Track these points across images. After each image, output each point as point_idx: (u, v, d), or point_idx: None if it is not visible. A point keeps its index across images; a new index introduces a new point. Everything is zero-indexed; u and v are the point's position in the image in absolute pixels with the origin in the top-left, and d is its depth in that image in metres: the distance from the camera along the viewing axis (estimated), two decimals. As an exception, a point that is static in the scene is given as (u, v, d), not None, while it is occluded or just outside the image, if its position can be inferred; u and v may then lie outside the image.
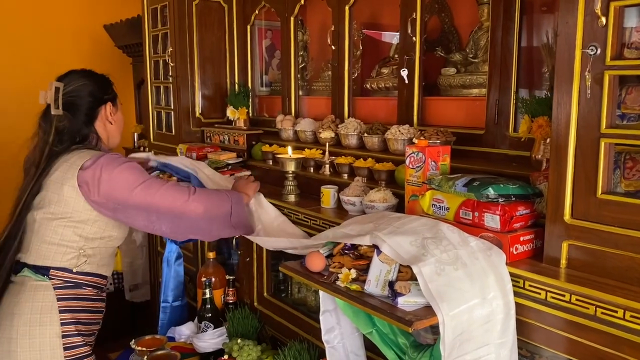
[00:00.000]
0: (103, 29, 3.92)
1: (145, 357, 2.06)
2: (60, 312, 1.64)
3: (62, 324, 1.64)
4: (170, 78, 2.70)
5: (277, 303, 2.13)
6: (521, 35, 1.59)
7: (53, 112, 1.69)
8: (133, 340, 2.21)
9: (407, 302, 1.15)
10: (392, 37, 2.41)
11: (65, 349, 1.65)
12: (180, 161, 2.31)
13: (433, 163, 1.44)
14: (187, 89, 2.65)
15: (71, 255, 1.67)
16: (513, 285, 1.21)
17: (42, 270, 1.66)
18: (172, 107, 2.74)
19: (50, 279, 1.67)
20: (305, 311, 2.05)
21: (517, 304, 1.21)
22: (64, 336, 1.65)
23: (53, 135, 1.69)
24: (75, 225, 1.65)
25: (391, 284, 1.19)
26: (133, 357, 2.19)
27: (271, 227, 1.89)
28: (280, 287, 2.29)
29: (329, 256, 1.42)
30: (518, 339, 1.21)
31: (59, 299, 1.65)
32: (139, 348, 2.15)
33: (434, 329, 1.48)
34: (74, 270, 1.69)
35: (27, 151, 1.79)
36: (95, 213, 1.66)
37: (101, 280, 1.81)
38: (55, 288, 1.66)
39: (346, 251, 1.37)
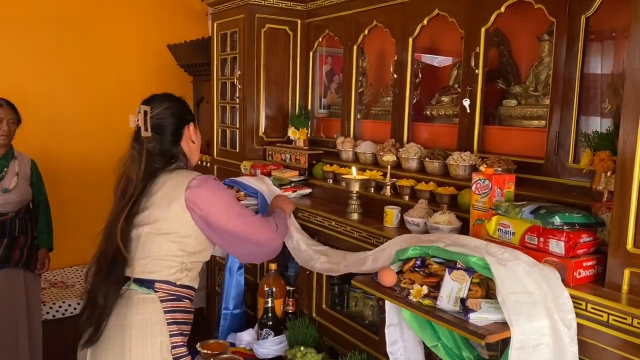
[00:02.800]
0: (167, 49, 4.17)
1: (211, 359, 2.21)
2: (168, 324, 1.72)
3: (170, 336, 1.72)
4: (237, 99, 2.88)
5: (336, 315, 2.26)
6: (583, 70, 1.69)
7: (143, 134, 1.77)
8: (198, 343, 2.37)
9: (478, 318, 1.26)
10: (448, 63, 2.53)
11: (174, 359, 1.73)
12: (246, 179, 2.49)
13: (499, 190, 1.56)
14: (252, 109, 2.83)
15: (175, 269, 1.76)
16: (575, 307, 1.31)
17: (148, 284, 1.73)
18: (238, 126, 2.92)
19: (156, 291, 1.73)
20: (363, 324, 2.17)
21: (579, 324, 1.30)
22: (173, 347, 1.73)
23: (145, 156, 1.77)
24: (181, 240, 1.75)
25: (462, 301, 1.30)
26: (198, 359, 2.35)
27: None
28: (336, 300, 2.42)
29: (399, 272, 1.54)
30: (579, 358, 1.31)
31: (165, 312, 1.72)
32: (205, 351, 2.31)
33: (491, 346, 1.59)
34: (177, 283, 1.77)
35: (115, 169, 1.86)
36: (197, 229, 1.76)
37: (194, 293, 1.89)
38: (162, 301, 1.73)
39: (416, 269, 1.49)
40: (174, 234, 1.74)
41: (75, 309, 3.52)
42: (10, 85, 3.62)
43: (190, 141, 1.92)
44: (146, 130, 1.77)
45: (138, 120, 1.80)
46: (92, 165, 4.03)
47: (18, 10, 3.78)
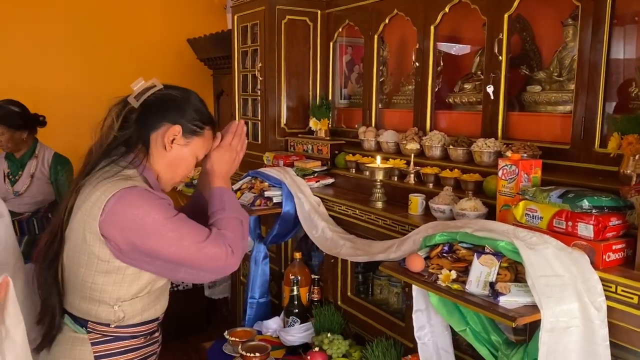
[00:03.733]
0: (186, 43, 4.21)
1: (240, 346, 2.25)
2: None
3: None
4: (259, 91, 2.91)
5: (361, 302, 2.29)
6: (609, 54, 1.68)
7: (130, 100, 1.49)
8: (226, 331, 2.42)
9: (508, 301, 1.27)
10: (469, 51, 2.53)
11: None
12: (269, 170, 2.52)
13: (525, 175, 1.56)
14: (274, 101, 2.86)
15: (107, 311, 1.42)
16: (605, 290, 1.31)
17: (80, 321, 1.44)
18: (259, 118, 2.95)
19: (88, 332, 1.43)
20: (388, 311, 2.19)
21: (608, 307, 1.31)
22: None
23: (120, 123, 1.46)
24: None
25: (492, 285, 1.32)
26: (226, 347, 2.40)
27: None
28: (360, 288, 2.45)
29: (427, 258, 1.56)
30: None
31: (96, 357, 1.43)
32: (232, 339, 2.35)
33: (517, 331, 1.60)
34: (112, 325, 1.44)
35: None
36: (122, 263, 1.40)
37: (150, 326, 1.52)
38: (93, 344, 1.43)
39: (444, 254, 1.51)
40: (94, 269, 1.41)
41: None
42: (32, 82, 3.70)
43: (163, 144, 1.47)
44: (137, 100, 1.49)
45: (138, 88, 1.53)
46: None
47: (39, 7, 3.85)
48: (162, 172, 1.50)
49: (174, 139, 1.47)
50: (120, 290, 1.41)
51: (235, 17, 3.06)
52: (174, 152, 1.49)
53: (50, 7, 3.90)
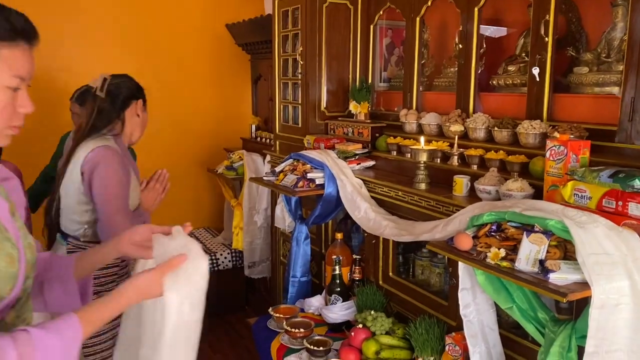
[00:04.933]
0: (225, 28, 4.27)
1: (284, 322, 2.33)
2: None
3: None
4: (299, 75, 2.96)
5: (403, 282, 2.33)
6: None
7: (98, 93, 2.10)
8: (271, 308, 2.50)
9: (558, 278, 1.30)
10: (512, 33, 2.51)
11: None
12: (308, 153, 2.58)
13: (574, 156, 1.57)
14: (314, 85, 2.90)
15: (77, 226, 2.08)
16: (656, 269, 1.33)
17: (64, 236, 2.11)
18: (300, 102, 3.00)
19: (68, 244, 2.09)
20: (430, 291, 2.23)
21: (659, 286, 1.32)
22: None
23: (95, 113, 2.09)
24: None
25: (542, 262, 1.35)
26: (271, 322, 2.48)
27: None
28: (401, 269, 2.49)
29: (474, 237, 1.59)
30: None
31: None
32: (277, 315, 2.44)
33: (563, 311, 1.63)
34: (82, 239, 2.08)
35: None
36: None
37: None
38: (68, 252, 2.06)
39: (492, 233, 1.54)
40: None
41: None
42: (75, 71, 3.81)
43: (136, 114, 2.20)
44: (102, 92, 2.10)
45: (95, 85, 2.13)
46: (158, 147, 4.17)
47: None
48: (134, 134, 2.24)
49: (140, 109, 2.22)
50: (85, 215, 2.07)
51: (276, 1, 3.10)
52: (143, 118, 2.25)
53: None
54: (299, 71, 2.96)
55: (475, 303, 1.75)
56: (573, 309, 1.56)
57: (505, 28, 2.59)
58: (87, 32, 3.96)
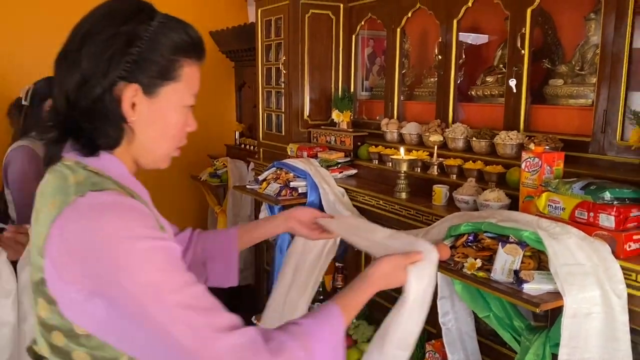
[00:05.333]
0: (209, 35, 4.27)
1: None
2: None
3: None
4: (282, 84, 2.98)
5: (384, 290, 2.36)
6: (632, 47, 1.71)
7: (24, 102, 2.26)
8: (254, 316, 2.52)
9: (532, 288, 1.33)
10: (491, 43, 2.56)
11: None
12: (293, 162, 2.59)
13: (548, 167, 1.62)
14: (297, 93, 2.92)
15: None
16: (626, 278, 1.37)
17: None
18: (283, 110, 3.02)
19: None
20: (411, 298, 2.26)
21: (629, 294, 1.37)
22: None
23: (22, 120, 2.29)
24: None
25: (516, 272, 1.38)
26: (254, 332, 2.49)
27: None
28: (383, 276, 2.51)
29: (452, 247, 1.62)
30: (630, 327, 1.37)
31: None
32: (260, 322, 2.45)
33: (538, 318, 1.67)
34: None
35: None
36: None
37: None
38: None
39: (469, 243, 1.57)
40: None
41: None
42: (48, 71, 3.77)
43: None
44: (26, 100, 2.27)
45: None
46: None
47: (57, 4, 3.91)
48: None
49: None
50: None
51: (259, 11, 3.13)
52: None
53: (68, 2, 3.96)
54: (282, 80, 2.98)
55: (454, 311, 1.79)
56: (548, 317, 1.60)
57: (485, 39, 2.63)
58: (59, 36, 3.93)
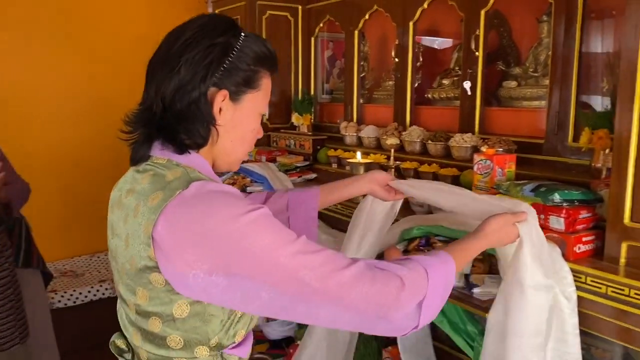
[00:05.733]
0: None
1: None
2: None
3: None
4: (240, 86, 2.92)
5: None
6: (581, 48, 1.72)
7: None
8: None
9: (482, 292, 1.31)
10: (449, 46, 2.56)
11: None
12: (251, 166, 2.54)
13: (500, 170, 1.60)
14: (256, 96, 2.86)
15: None
16: (575, 281, 1.35)
17: None
18: (241, 113, 2.96)
19: None
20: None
21: (578, 297, 1.35)
22: None
23: None
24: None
25: (467, 277, 1.36)
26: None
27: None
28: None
29: (405, 252, 1.59)
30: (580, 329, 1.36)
31: None
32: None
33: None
34: None
35: None
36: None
37: None
38: None
39: (421, 247, 1.55)
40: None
41: (85, 296, 3.59)
42: (12, 78, 3.64)
43: None
44: None
45: None
46: (94, 155, 4.05)
47: (7, 4, 3.78)
48: None
49: None
50: None
51: (216, 12, 3.06)
52: None
53: (31, 3, 3.84)
54: (240, 83, 2.92)
55: (409, 317, 1.75)
56: (503, 321, 1.58)
57: (442, 41, 2.63)
58: (24, 42, 3.80)
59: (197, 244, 0.89)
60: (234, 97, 1.01)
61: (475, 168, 1.65)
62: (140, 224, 0.93)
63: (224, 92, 0.99)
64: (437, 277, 1.00)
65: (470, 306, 1.28)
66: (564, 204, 1.39)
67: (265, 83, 1.06)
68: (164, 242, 0.90)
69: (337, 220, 2.21)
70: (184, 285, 0.91)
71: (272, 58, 1.07)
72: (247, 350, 1.04)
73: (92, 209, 4.13)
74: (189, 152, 1.01)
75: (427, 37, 2.58)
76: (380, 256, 1.60)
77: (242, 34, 1.03)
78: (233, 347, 1.01)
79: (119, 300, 1.08)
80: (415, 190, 1.41)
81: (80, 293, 3.65)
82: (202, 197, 0.92)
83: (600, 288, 1.32)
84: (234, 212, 0.90)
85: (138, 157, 1.03)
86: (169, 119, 0.99)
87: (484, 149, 1.71)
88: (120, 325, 1.08)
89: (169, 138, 1.00)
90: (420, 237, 1.56)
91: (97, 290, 3.62)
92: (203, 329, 0.96)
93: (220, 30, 1.01)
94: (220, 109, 1.00)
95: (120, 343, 1.06)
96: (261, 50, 1.04)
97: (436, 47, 2.63)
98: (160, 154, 1.01)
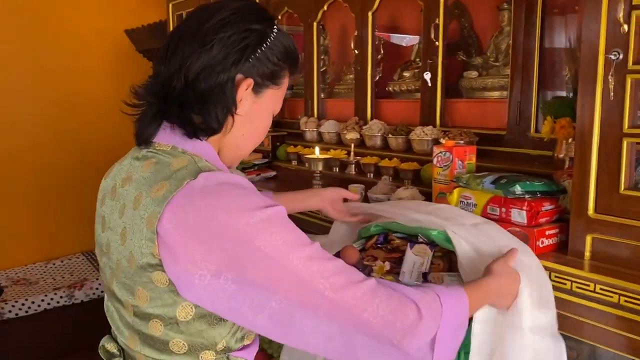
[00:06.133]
0: (124, 34, 4.03)
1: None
2: None
3: None
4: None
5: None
6: (542, 38, 1.66)
7: None
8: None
9: (441, 292, 1.22)
10: (412, 40, 2.49)
11: None
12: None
13: (460, 162, 1.52)
14: (212, 92, 2.74)
15: None
16: (539, 277, 1.28)
17: None
18: (198, 110, 2.83)
19: None
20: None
21: (543, 294, 1.28)
22: None
23: None
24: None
25: (425, 275, 1.27)
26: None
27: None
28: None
29: (362, 250, 1.50)
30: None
31: None
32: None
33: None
34: None
35: None
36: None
37: None
38: None
39: (379, 245, 1.45)
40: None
41: (39, 305, 3.40)
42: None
43: None
44: None
45: None
46: (52, 160, 3.88)
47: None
48: None
49: None
50: None
51: (171, 5, 2.94)
52: None
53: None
54: (196, 78, 2.79)
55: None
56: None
57: (403, 34, 2.56)
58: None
59: (206, 241, 0.82)
60: (257, 89, 0.97)
61: (434, 161, 1.57)
62: (143, 217, 0.85)
63: (250, 81, 0.94)
64: (450, 305, 0.94)
65: (428, 307, 1.19)
66: (526, 196, 1.31)
67: (285, 82, 1.03)
68: (169, 237, 0.82)
69: (294, 219, 2.10)
70: (188, 287, 0.83)
71: (297, 57, 1.03)
72: (254, 351, 0.98)
73: (47, 215, 3.96)
74: (198, 139, 0.93)
75: (387, 29, 2.51)
76: (337, 256, 1.50)
77: (275, 26, 0.98)
78: (240, 349, 0.94)
79: (109, 300, 0.99)
80: (372, 210, 1.42)
81: (33, 302, 3.46)
82: (213, 190, 0.85)
83: (565, 284, 1.25)
84: (247, 207, 0.83)
85: (146, 134, 0.94)
86: (188, 96, 0.91)
87: (443, 140, 1.63)
88: (113, 327, 0.99)
89: (181, 118, 0.92)
90: (378, 234, 1.47)
91: (52, 299, 3.44)
92: (209, 333, 0.89)
93: (257, 16, 0.96)
94: (241, 99, 0.95)
95: (110, 347, 0.98)
96: (290, 47, 1.00)
97: (397, 39, 2.56)
98: (164, 139, 0.93)
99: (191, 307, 0.86)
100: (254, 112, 0.99)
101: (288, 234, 0.85)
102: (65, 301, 3.45)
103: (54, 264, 3.98)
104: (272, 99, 1.01)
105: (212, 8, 0.96)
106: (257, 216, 0.83)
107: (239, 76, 0.93)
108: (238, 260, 0.82)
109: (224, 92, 0.92)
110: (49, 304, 3.41)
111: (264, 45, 0.94)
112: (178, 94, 0.91)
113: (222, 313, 0.86)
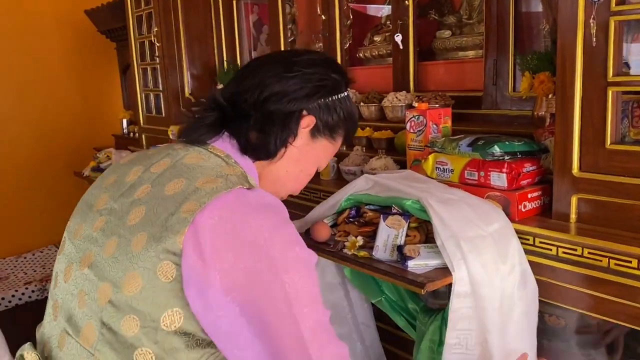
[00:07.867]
0: (85, 15, 3.83)
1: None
2: None
3: None
4: (157, 59, 2.64)
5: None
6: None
7: None
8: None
9: (417, 265, 1.13)
10: (382, 2, 2.36)
11: None
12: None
13: (434, 126, 1.42)
14: (175, 69, 2.60)
15: None
16: (523, 243, 1.19)
17: None
18: (161, 89, 2.69)
19: None
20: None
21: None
22: None
23: None
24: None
25: (400, 248, 1.17)
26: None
27: None
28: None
29: (334, 225, 1.39)
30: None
31: None
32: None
33: (439, 295, 1.48)
34: None
35: None
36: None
37: None
38: None
39: (351, 219, 1.35)
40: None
41: (9, 301, 3.27)
42: None
43: None
44: None
45: None
46: (16, 152, 3.70)
47: None
48: None
49: None
50: None
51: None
52: None
53: None
54: (157, 54, 2.64)
55: (348, 299, 1.57)
56: (449, 293, 1.41)
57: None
58: None
59: (237, 253, 0.77)
60: (315, 132, 0.99)
61: (407, 126, 1.46)
62: (180, 202, 0.80)
63: (312, 119, 0.97)
64: None
65: (404, 282, 1.09)
66: (505, 158, 1.21)
67: (339, 142, 1.05)
68: (204, 231, 0.77)
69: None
70: (196, 291, 0.76)
71: (357, 127, 1.11)
72: None
73: (15, 207, 3.80)
74: (248, 157, 0.95)
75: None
76: (307, 232, 1.40)
77: (349, 87, 1.05)
78: None
79: (70, 276, 0.87)
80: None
81: (4, 298, 3.32)
82: (264, 207, 0.82)
83: (550, 250, 1.16)
84: (290, 239, 0.81)
85: (197, 135, 0.93)
86: (256, 112, 0.94)
87: (415, 104, 1.52)
88: (56, 320, 0.89)
89: (242, 131, 0.94)
90: (349, 208, 1.37)
91: (23, 294, 3.30)
92: (181, 355, 0.79)
93: (338, 69, 1.02)
94: (299, 134, 0.97)
95: (30, 357, 0.88)
96: (355, 114, 1.05)
97: (366, 2, 2.43)
98: (220, 145, 0.93)
99: (180, 316, 0.77)
100: (304, 153, 1.00)
101: (314, 287, 0.82)
102: (38, 295, 3.32)
103: (25, 258, 3.84)
104: (324, 150, 1.03)
105: (304, 50, 1.07)
106: (296, 252, 0.81)
107: (305, 112, 0.96)
108: (254, 284, 0.77)
109: (289, 121, 0.95)
110: (20, 299, 3.28)
111: (336, 95, 0.99)
112: (248, 107, 0.94)
113: (213, 336, 0.79)
